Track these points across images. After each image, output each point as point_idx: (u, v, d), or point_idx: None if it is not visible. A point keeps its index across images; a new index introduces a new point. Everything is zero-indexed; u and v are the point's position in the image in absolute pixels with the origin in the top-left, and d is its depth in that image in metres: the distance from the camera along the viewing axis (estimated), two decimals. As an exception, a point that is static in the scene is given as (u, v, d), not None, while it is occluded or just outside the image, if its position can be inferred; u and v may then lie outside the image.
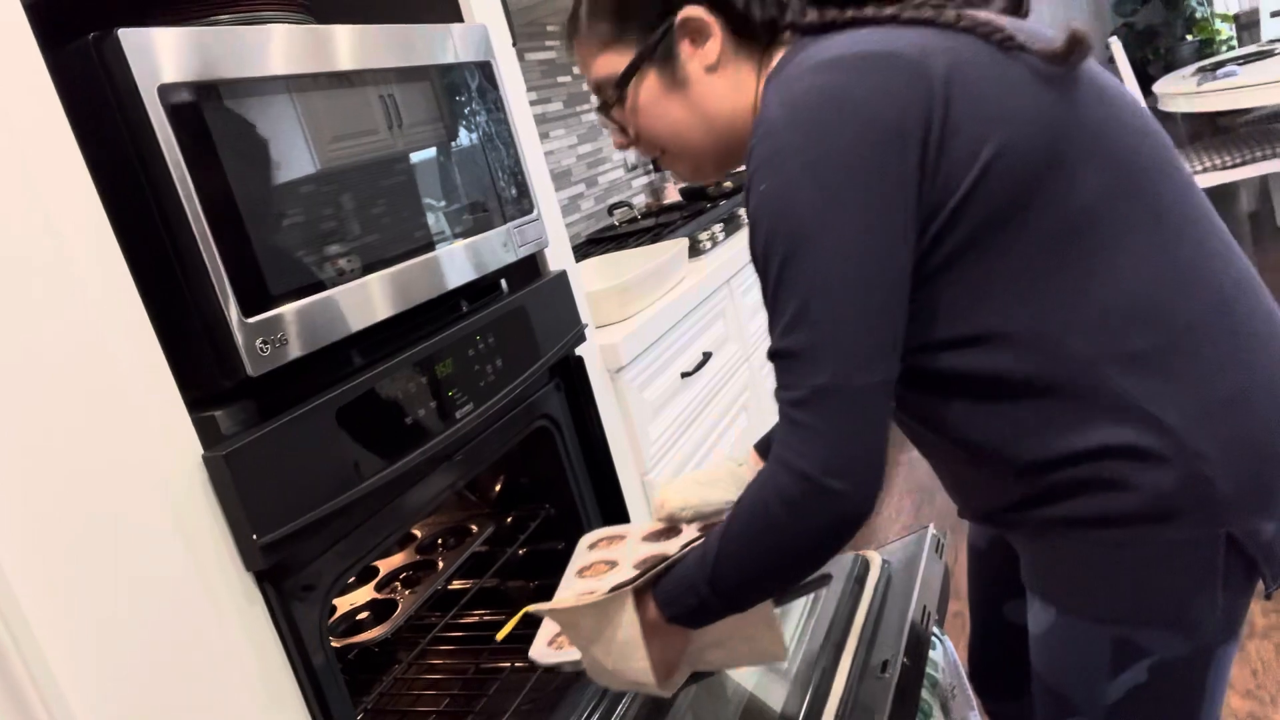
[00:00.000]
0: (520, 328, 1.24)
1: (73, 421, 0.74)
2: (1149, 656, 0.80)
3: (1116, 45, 3.90)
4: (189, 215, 0.82)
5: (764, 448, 1.11)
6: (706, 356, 1.94)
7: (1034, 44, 0.75)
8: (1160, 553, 0.77)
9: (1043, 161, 0.73)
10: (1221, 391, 0.75)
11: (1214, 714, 0.84)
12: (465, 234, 1.15)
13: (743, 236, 2.36)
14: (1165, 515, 0.75)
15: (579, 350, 1.41)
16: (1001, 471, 0.81)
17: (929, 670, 1.07)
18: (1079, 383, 0.75)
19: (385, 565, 1.40)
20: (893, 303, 0.74)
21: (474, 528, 1.43)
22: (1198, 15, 7.01)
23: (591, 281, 2.01)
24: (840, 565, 1.24)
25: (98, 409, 0.76)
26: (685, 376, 1.86)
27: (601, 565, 1.11)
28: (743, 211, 2.45)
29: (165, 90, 0.81)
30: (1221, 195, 4.91)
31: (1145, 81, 5.13)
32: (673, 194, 3.09)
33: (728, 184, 2.81)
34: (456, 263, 1.13)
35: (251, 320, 0.86)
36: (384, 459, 0.98)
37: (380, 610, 1.27)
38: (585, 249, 2.39)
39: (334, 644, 1.13)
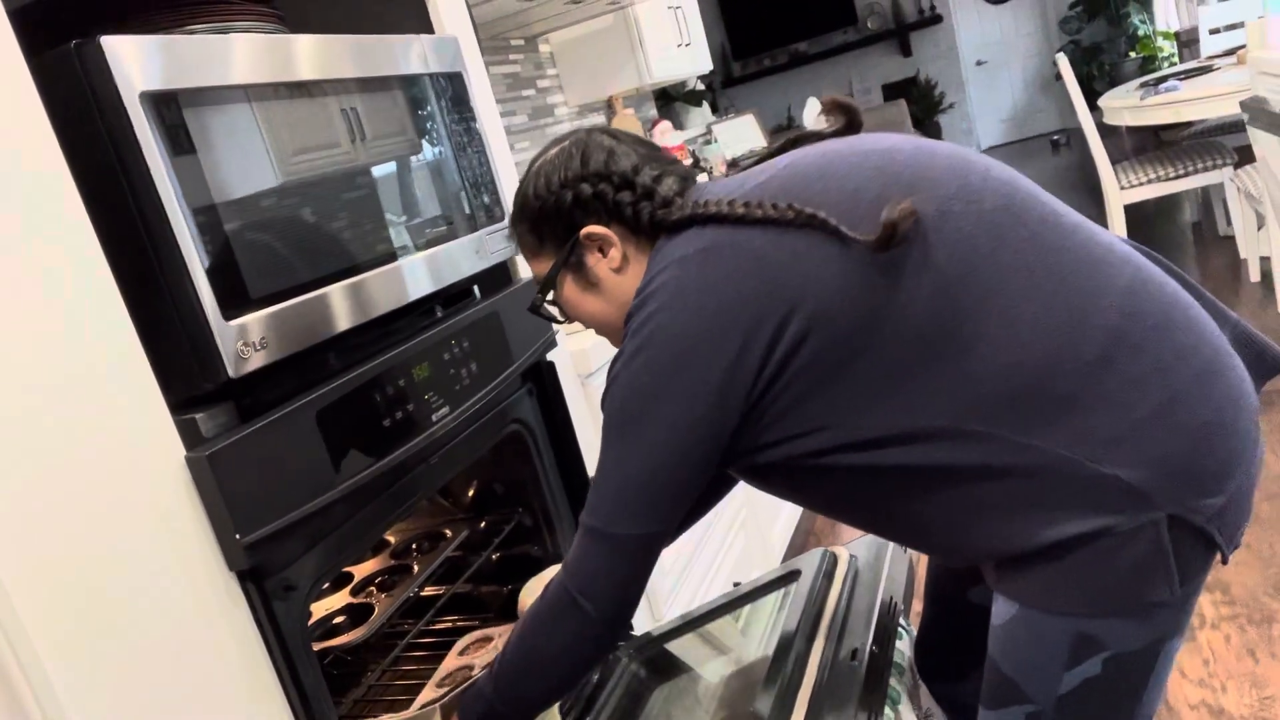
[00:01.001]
0: (493, 333, 1.26)
1: (57, 425, 0.75)
2: (1105, 650, 0.85)
3: (1063, 61, 4.02)
4: (170, 219, 0.83)
5: None
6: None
7: (857, 233, 0.82)
8: (1110, 544, 0.81)
9: (857, 325, 0.82)
10: (1143, 409, 0.80)
11: (1155, 704, 0.90)
12: (439, 240, 1.17)
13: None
14: (1106, 523, 0.81)
15: (550, 355, 1.43)
16: (966, 552, 0.89)
17: (896, 659, 1.11)
18: (1008, 461, 0.81)
19: (360, 571, 1.41)
20: (679, 479, 0.86)
21: (448, 533, 1.44)
22: (1140, 33, 7.25)
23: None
24: (809, 561, 1.27)
25: (82, 411, 0.77)
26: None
27: (462, 673, 1.22)
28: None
29: (147, 96, 0.82)
30: (1165, 206, 5.07)
31: (1091, 96, 5.29)
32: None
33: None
34: (430, 268, 1.15)
35: (232, 323, 0.87)
36: (364, 460, 0.99)
37: (356, 614, 1.28)
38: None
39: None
